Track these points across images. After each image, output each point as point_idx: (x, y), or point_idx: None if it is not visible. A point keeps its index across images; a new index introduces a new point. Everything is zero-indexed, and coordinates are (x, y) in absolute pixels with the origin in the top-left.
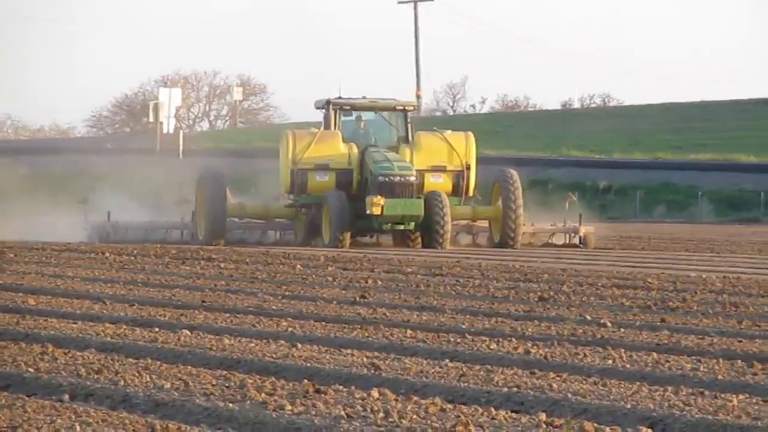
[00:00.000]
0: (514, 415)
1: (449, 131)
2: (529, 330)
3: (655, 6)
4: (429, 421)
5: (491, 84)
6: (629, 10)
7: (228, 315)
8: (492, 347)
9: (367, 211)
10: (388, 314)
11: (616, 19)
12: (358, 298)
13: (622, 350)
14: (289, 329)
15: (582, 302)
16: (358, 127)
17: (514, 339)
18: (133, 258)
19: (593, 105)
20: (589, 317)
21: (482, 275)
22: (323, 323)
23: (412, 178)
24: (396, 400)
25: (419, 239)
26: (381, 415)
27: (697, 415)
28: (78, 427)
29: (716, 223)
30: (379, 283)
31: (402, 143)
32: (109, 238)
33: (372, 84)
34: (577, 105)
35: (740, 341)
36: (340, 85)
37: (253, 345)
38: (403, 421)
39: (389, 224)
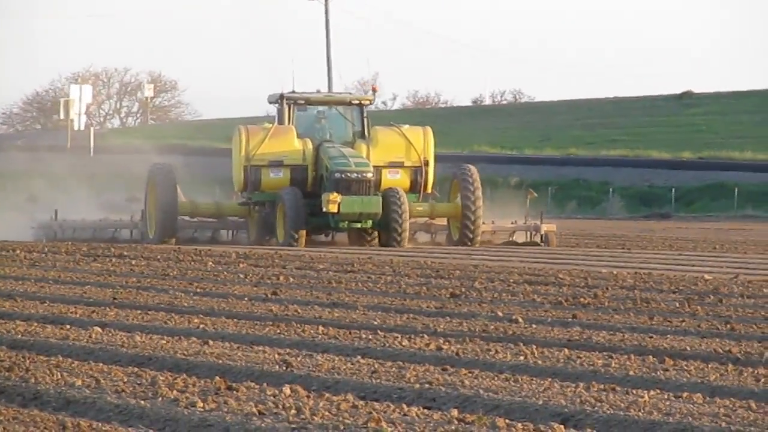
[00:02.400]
0: (426, 411)
1: (407, 126)
2: (441, 326)
3: (566, 1)
4: (341, 418)
5: (402, 80)
6: (540, 5)
7: (139, 312)
8: (404, 344)
9: (323, 209)
10: (299, 311)
11: (528, 15)
12: (269, 295)
13: (534, 346)
14: (201, 326)
15: (494, 298)
16: (313, 122)
17: (425, 335)
18: (44, 255)
19: (504, 101)
20: (500, 313)
21: (394, 272)
22: (235, 320)
23: (369, 175)
24: (308, 396)
25: (376, 238)
26: (293, 412)
27: (608, 411)
28: None
29: (627, 218)
30: (291, 279)
31: (358, 138)
32: (57, 237)
33: (285, 80)
34: (488, 101)
35: (651, 337)
36: (294, 79)
37: (164, 342)
38: (315, 418)
39: (346, 222)
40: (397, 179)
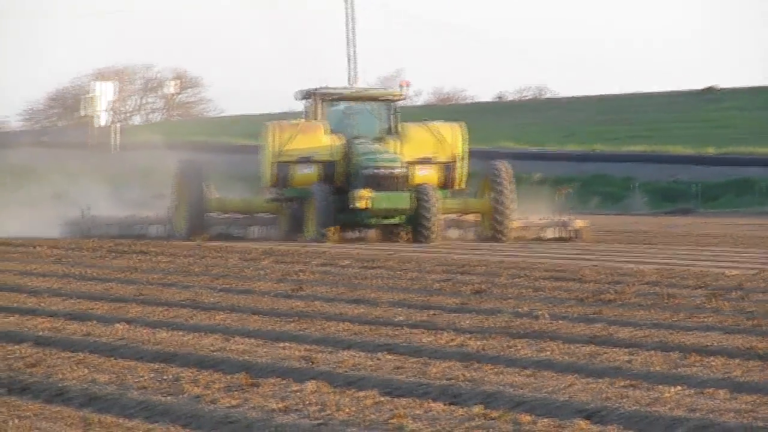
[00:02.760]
0: (449, 407)
1: (438, 122)
2: (465, 323)
3: None
4: (364, 414)
5: (426, 76)
6: (564, 2)
7: (163, 308)
8: (428, 340)
9: (353, 205)
10: (323, 307)
11: (551, 10)
12: (293, 291)
13: (558, 343)
14: (224, 322)
15: (517, 295)
16: (343, 118)
17: (449, 331)
18: (68, 252)
19: (527, 97)
20: (524, 310)
21: (417, 268)
22: (258, 316)
23: (399, 171)
24: (331, 392)
25: (406, 234)
26: (316, 408)
27: (632, 407)
28: (13, 422)
29: (650, 214)
30: (314, 276)
31: (388, 135)
32: (85, 234)
33: (308, 76)
34: (511, 97)
35: (675, 333)
36: (324, 75)
37: (188, 338)
38: (339, 414)
39: (376, 218)
40: (427, 175)
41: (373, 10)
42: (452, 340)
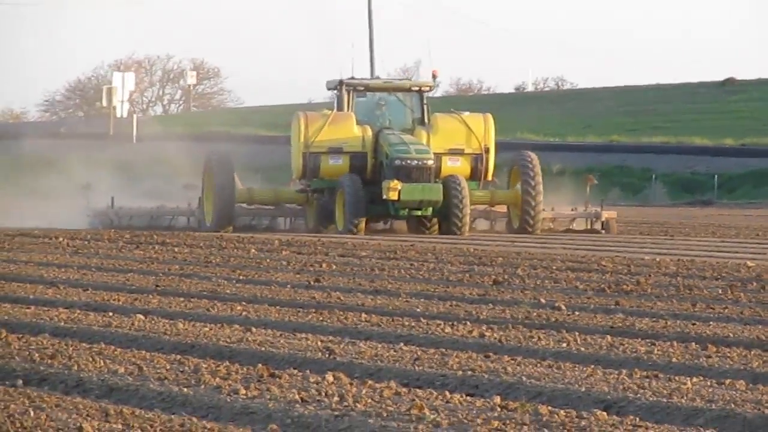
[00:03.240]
0: (468, 398)
1: (467, 112)
2: (484, 313)
3: None
4: (384, 405)
5: (445, 67)
6: None
7: (182, 299)
8: (447, 331)
9: (384, 196)
10: (342, 298)
11: (570, 2)
12: (312, 282)
13: (577, 333)
14: (244, 313)
15: (536, 285)
16: (373, 109)
17: (468, 322)
18: (86, 243)
19: (547, 88)
20: (543, 300)
21: (436, 259)
22: (277, 307)
23: (430, 162)
24: (351, 384)
25: (436, 226)
26: (336, 399)
27: (651, 398)
28: (32, 412)
29: (670, 205)
30: (334, 267)
31: (418, 125)
32: (113, 225)
33: (329, 67)
34: (530, 88)
35: (694, 324)
36: (353, 65)
37: (207, 329)
38: (358, 405)
39: (406, 210)
40: (457, 166)
41: (393, 1)
42: (471, 331)
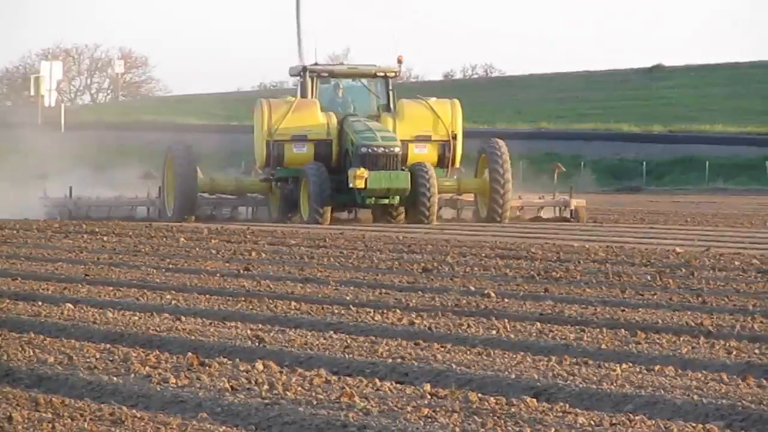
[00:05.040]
0: (398, 386)
1: (434, 99)
2: (413, 301)
3: None
4: (314, 393)
5: (373, 55)
6: None
7: (111, 288)
8: (376, 319)
9: (350, 185)
10: (271, 286)
11: None
12: (241, 271)
13: (506, 321)
14: (173, 302)
15: (466, 273)
16: (336, 95)
17: (398, 310)
18: (15, 232)
19: (475, 75)
20: (472, 288)
21: (366, 247)
22: (207, 296)
23: (397, 149)
24: (280, 372)
25: (403, 214)
26: (266, 387)
27: (581, 385)
28: None
29: (598, 192)
30: (263, 255)
31: (383, 112)
32: (71, 216)
33: (257, 55)
34: (459, 75)
35: (623, 310)
36: (316, 51)
37: (136, 318)
38: (288, 393)
39: (373, 198)
40: (424, 153)
41: None
42: (401, 318)
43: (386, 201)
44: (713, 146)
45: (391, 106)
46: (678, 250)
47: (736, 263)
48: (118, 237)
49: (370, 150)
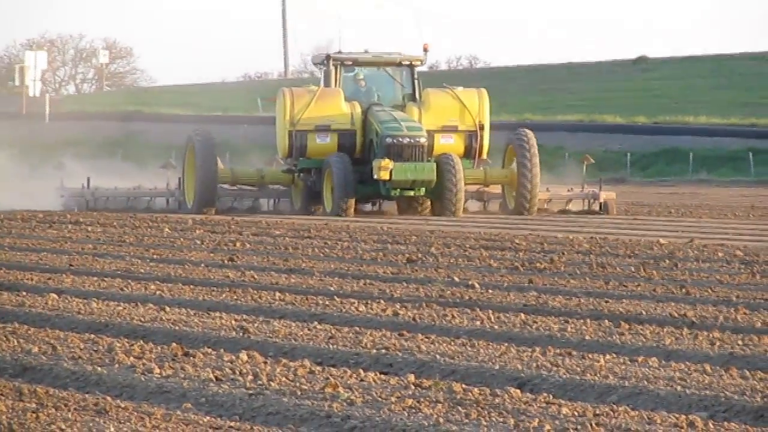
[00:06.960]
0: (383, 376)
1: (460, 88)
2: (398, 292)
3: None
4: (298, 384)
5: (357, 46)
6: None
7: (96, 278)
8: (360, 309)
9: (374, 176)
10: (256, 277)
11: None
12: (226, 261)
13: (490, 311)
14: (158, 292)
15: (450, 264)
16: (360, 85)
17: (382, 301)
18: None
19: (460, 66)
20: (457, 279)
21: (350, 237)
22: (191, 286)
23: (423, 140)
24: (265, 362)
25: (428, 206)
26: (250, 377)
27: (564, 375)
28: None
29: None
30: (248, 245)
31: (409, 101)
32: (89, 206)
33: (239, 46)
34: (443, 67)
35: (607, 301)
36: (340, 39)
37: (121, 308)
38: (272, 384)
39: (398, 190)
40: (450, 144)
41: None
42: (385, 309)
43: (411, 193)
44: (697, 138)
45: (417, 95)
46: (662, 241)
47: (720, 254)
48: (102, 227)
49: (395, 140)
